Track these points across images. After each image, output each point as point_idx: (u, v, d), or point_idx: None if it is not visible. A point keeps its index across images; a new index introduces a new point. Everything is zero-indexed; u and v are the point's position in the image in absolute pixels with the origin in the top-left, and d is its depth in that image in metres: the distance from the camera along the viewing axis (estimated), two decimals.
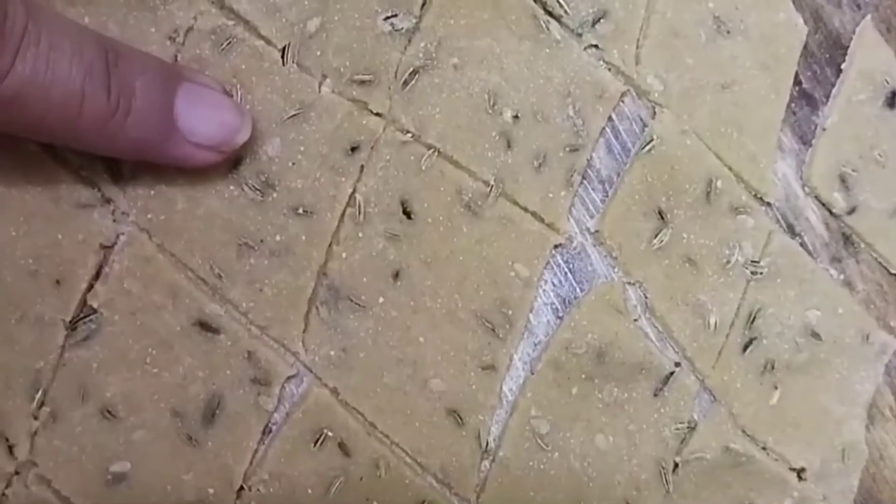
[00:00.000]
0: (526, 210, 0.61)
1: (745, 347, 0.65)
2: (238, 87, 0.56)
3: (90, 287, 0.55)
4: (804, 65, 0.68)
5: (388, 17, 0.59)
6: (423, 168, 0.59)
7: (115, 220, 0.56)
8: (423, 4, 0.60)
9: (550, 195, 0.62)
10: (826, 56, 0.69)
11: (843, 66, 0.69)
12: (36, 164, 0.54)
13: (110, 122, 0.48)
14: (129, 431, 0.55)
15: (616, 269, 0.64)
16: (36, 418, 0.54)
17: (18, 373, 0.54)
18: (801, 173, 0.68)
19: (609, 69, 0.64)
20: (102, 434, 0.55)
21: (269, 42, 0.58)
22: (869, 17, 0.69)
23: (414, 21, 0.60)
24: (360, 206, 0.58)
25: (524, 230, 0.61)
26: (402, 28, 0.59)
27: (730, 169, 0.65)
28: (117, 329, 0.55)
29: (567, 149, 0.62)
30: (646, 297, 0.64)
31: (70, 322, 0.55)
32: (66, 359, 0.54)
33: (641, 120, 0.64)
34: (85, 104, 0.46)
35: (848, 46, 0.69)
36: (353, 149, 0.58)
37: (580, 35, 0.63)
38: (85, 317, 0.55)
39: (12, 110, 0.45)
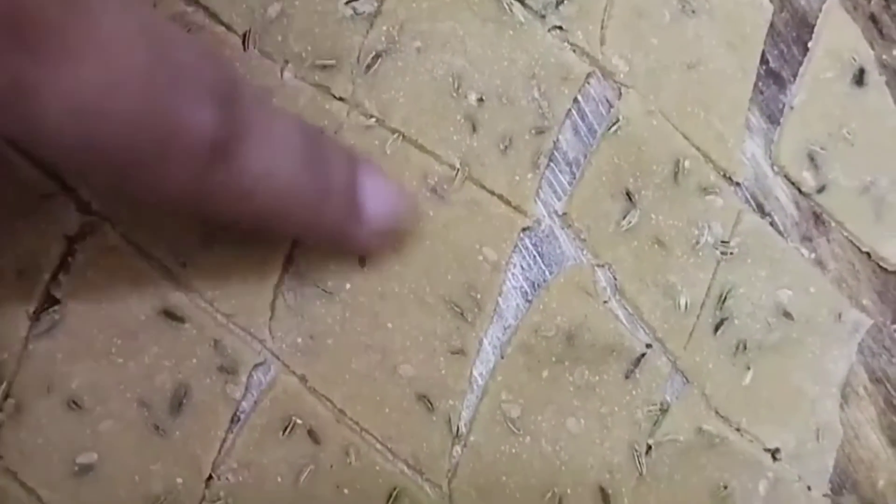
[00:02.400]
0: (493, 193, 0.61)
1: (717, 328, 0.64)
2: None
3: (54, 277, 0.55)
4: (771, 43, 0.68)
5: (349, 2, 0.59)
6: (388, 152, 0.59)
7: (78, 210, 0.55)
8: None
9: (517, 178, 0.62)
10: (793, 34, 0.69)
11: (809, 45, 0.69)
12: None
13: (315, 205, 0.48)
14: (96, 422, 0.55)
15: (585, 252, 0.63)
16: (0, 410, 0.54)
17: None
18: (769, 152, 0.68)
19: (574, 50, 0.63)
20: (68, 425, 0.54)
21: (229, 28, 0.57)
22: None
23: (375, 5, 0.60)
24: None
25: (491, 214, 0.61)
26: (364, 12, 0.59)
27: (697, 149, 0.65)
28: (82, 319, 0.55)
29: (533, 131, 0.62)
30: (615, 279, 0.63)
31: (34, 313, 0.54)
32: (31, 350, 0.54)
33: (607, 101, 0.64)
34: (299, 190, 0.47)
35: (814, 25, 0.69)
36: None
37: (544, 17, 0.63)
38: (48, 307, 0.55)
39: (247, 202, 0.45)
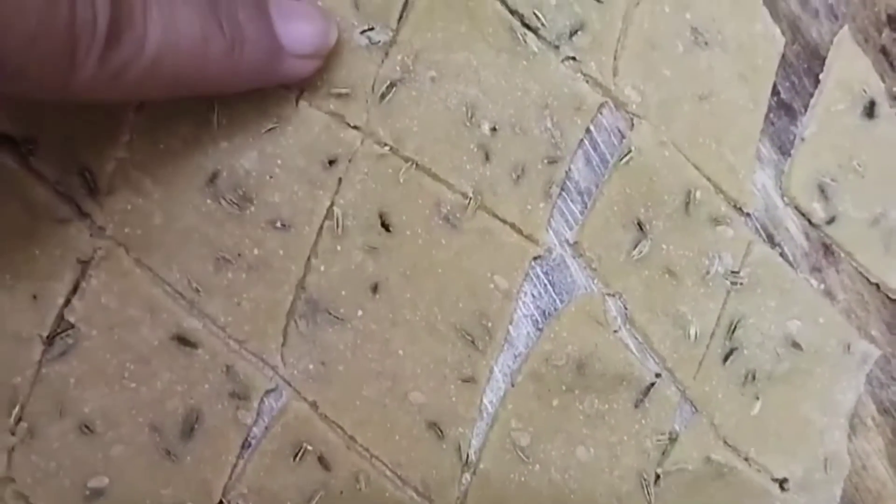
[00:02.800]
0: (505, 222, 0.61)
1: (726, 358, 0.65)
2: (214, 101, 0.56)
3: (67, 302, 0.55)
4: (782, 75, 0.68)
5: (364, 31, 0.59)
6: (402, 181, 0.59)
7: (92, 235, 0.55)
8: (400, 17, 0.60)
9: (529, 207, 0.62)
10: (804, 66, 0.69)
11: (821, 77, 0.69)
12: (12, 179, 0.54)
13: (231, 57, 0.50)
14: (107, 446, 0.55)
15: (595, 281, 0.64)
16: (13, 434, 0.54)
17: None
18: (780, 183, 0.68)
19: (587, 81, 0.64)
20: (80, 449, 0.55)
21: None
22: (846, 27, 0.70)
23: (391, 34, 0.60)
24: (338, 220, 0.58)
25: (503, 242, 0.61)
26: (379, 41, 0.59)
27: (708, 180, 0.65)
28: (95, 344, 0.55)
29: (545, 161, 0.62)
30: (626, 309, 0.64)
31: (47, 337, 0.54)
32: (44, 374, 0.54)
33: (620, 131, 0.65)
34: (209, 48, 0.48)
35: (826, 57, 0.69)
36: (331, 162, 0.58)
37: (557, 47, 0.63)
38: (62, 332, 0.55)
39: (155, 74, 0.46)
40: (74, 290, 0.55)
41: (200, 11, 0.48)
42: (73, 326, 0.55)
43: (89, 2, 0.42)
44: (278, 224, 0.57)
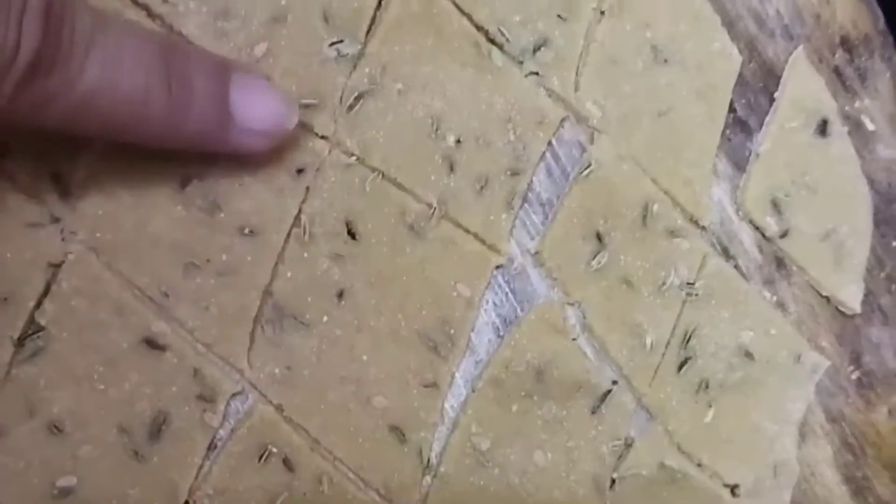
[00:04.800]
0: (468, 231, 0.63)
1: (681, 367, 0.66)
2: None
3: (38, 304, 0.56)
4: (739, 93, 0.70)
5: (333, 43, 0.60)
6: (368, 190, 0.61)
7: (63, 239, 0.56)
8: (369, 31, 0.62)
9: (492, 217, 0.63)
10: (760, 85, 0.71)
11: (776, 95, 0.71)
12: None
13: (173, 115, 0.50)
14: (76, 447, 0.56)
15: (556, 290, 0.65)
16: None
17: None
18: (735, 198, 0.70)
19: (549, 96, 0.65)
20: (49, 449, 0.55)
21: None
22: (801, 47, 0.72)
23: (359, 47, 0.61)
24: (305, 227, 0.59)
25: (466, 251, 0.63)
26: (348, 54, 0.61)
27: (666, 193, 0.67)
28: (64, 346, 0.56)
29: (508, 172, 0.63)
30: (584, 317, 0.65)
31: (18, 339, 0.55)
32: (13, 375, 0.55)
33: (580, 145, 0.66)
34: (149, 101, 0.49)
35: (781, 76, 0.71)
36: (299, 171, 0.59)
37: (521, 62, 0.64)
38: (32, 334, 0.55)
39: (85, 112, 0.47)
40: (45, 292, 0.56)
41: (149, 65, 0.49)
42: (43, 329, 0.55)
43: (15, 27, 0.43)
44: (247, 231, 0.58)
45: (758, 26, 0.71)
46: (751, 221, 0.70)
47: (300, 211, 0.60)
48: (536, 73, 0.65)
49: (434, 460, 0.62)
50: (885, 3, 0.74)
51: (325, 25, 0.60)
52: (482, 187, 0.63)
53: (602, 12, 0.66)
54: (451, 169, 0.62)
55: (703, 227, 0.68)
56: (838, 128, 0.71)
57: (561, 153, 0.66)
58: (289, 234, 0.59)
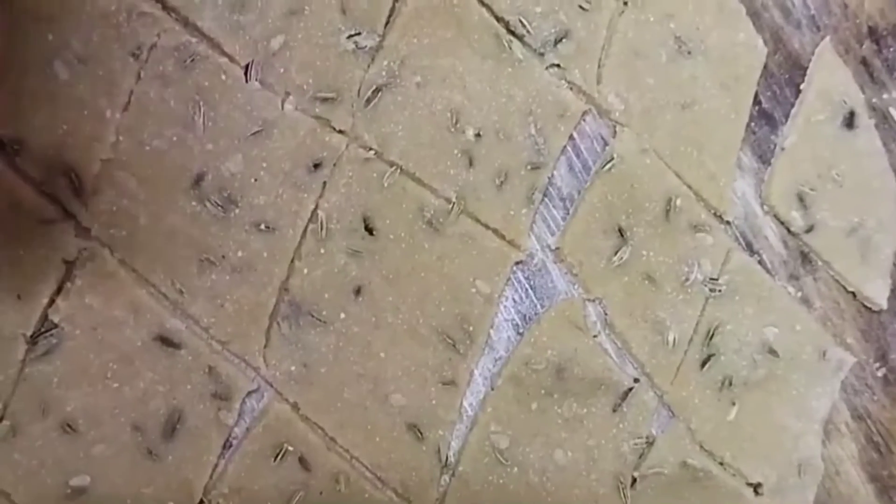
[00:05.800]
0: (487, 227, 0.62)
1: (704, 364, 0.65)
2: (201, 103, 0.56)
3: (51, 302, 0.55)
4: (764, 85, 0.69)
5: (351, 36, 0.59)
6: (386, 185, 0.60)
7: (77, 236, 0.56)
8: (387, 23, 0.61)
9: (512, 212, 0.62)
10: (785, 76, 0.70)
11: (802, 87, 0.70)
12: None
13: None
14: (90, 446, 0.55)
15: (576, 286, 0.64)
16: None
17: None
18: (759, 192, 0.69)
19: (571, 88, 0.64)
20: (62, 448, 0.55)
21: (232, 59, 0.58)
22: (828, 38, 0.70)
23: (377, 39, 0.60)
24: (322, 223, 0.59)
25: (485, 247, 0.62)
26: (366, 46, 0.60)
27: (689, 187, 0.65)
28: (78, 344, 0.55)
29: (528, 167, 0.62)
30: (605, 314, 0.64)
31: (31, 336, 0.55)
32: (27, 373, 0.55)
33: (602, 138, 0.65)
34: None
35: (807, 67, 0.70)
36: (316, 165, 0.59)
37: (542, 54, 0.63)
38: (46, 331, 0.55)
39: None
40: (59, 290, 0.55)
41: None
42: (56, 326, 0.55)
43: None
44: (262, 227, 0.58)
45: (784, 17, 0.70)
46: (776, 216, 0.69)
47: (317, 206, 0.59)
48: (558, 66, 0.64)
49: (452, 459, 0.61)
50: None
51: (343, 17, 0.59)
52: (502, 182, 0.62)
53: (625, 3, 0.65)
54: (471, 163, 0.61)
55: (727, 222, 0.67)
56: (865, 120, 0.70)
57: (582, 147, 0.65)
58: (305, 230, 0.59)
